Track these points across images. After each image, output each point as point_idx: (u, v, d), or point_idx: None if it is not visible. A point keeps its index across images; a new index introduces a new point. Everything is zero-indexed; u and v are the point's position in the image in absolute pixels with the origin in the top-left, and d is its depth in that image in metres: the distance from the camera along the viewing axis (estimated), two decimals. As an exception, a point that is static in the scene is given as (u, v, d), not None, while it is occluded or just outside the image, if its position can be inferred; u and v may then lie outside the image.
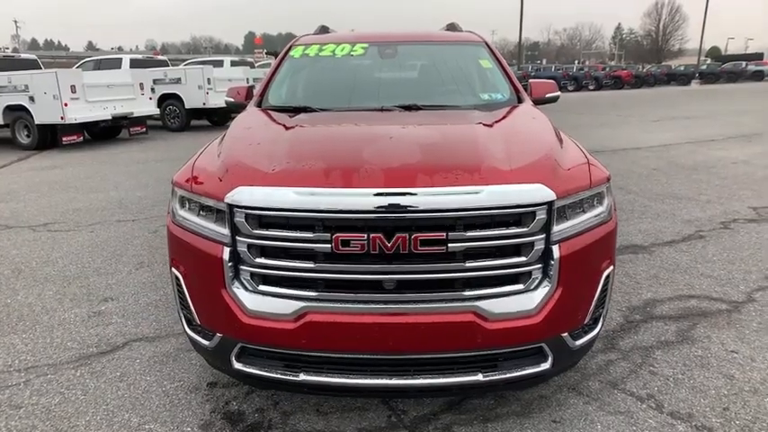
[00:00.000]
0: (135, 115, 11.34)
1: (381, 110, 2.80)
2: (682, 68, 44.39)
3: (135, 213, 5.67)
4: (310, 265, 1.83)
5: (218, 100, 12.94)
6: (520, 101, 3.03)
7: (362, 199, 1.77)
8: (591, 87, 36.11)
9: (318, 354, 1.91)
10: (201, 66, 13.24)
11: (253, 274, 1.91)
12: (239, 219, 1.86)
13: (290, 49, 3.53)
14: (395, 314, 1.83)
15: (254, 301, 1.90)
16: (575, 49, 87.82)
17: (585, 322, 2.06)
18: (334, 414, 2.30)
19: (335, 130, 2.51)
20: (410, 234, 1.76)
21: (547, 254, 1.89)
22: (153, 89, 12.15)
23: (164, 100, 13.06)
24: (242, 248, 1.89)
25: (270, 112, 2.85)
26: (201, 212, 2.03)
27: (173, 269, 2.15)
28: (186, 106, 13.01)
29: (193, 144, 11.00)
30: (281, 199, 1.81)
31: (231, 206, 1.87)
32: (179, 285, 2.12)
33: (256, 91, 3.23)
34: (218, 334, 2.01)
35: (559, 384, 2.47)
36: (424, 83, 3.21)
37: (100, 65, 13.78)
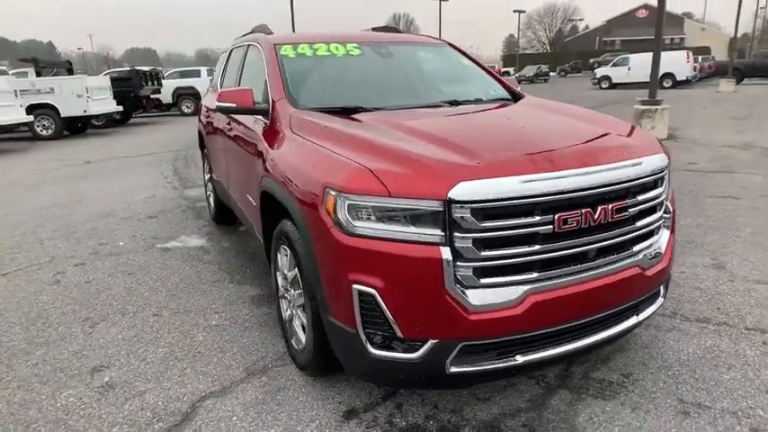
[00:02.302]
0: None
1: (433, 106, 2.90)
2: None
3: (-5, 267, 4.28)
4: (535, 247, 1.93)
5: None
6: (516, 95, 3.43)
7: (578, 179, 1.95)
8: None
9: (532, 333, 2.01)
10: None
11: (475, 269, 1.89)
12: (462, 214, 1.84)
13: (276, 48, 3.26)
14: (596, 279, 2.07)
15: (478, 296, 1.90)
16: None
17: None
18: (495, 397, 2.38)
19: (461, 123, 2.55)
20: (608, 205, 2.02)
21: (665, 208, 2.37)
22: None
23: None
24: (464, 245, 1.86)
25: (330, 113, 2.66)
26: (396, 216, 1.89)
27: (355, 286, 1.93)
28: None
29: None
30: (510, 188, 1.86)
31: (451, 202, 1.83)
32: (368, 302, 1.92)
33: (274, 94, 2.91)
34: (432, 341, 1.92)
35: (620, 322, 3.00)
36: (433, 80, 3.38)
37: None
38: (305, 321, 2.39)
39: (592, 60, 52.73)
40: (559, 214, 1.93)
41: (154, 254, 4.48)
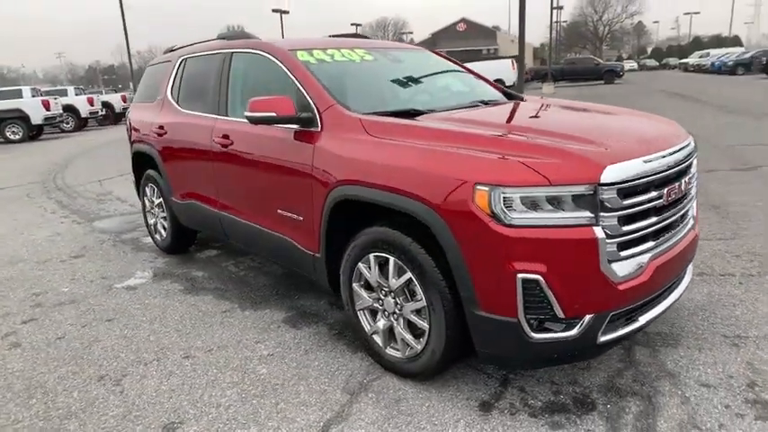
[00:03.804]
0: None
1: (473, 106, 3.05)
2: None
3: None
4: (653, 219, 2.21)
5: None
6: (511, 95, 3.73)
7: (673, 156, 2.30)
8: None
9: (650, 296, 2.29)
10: None
11: (618, 244, 2.10)
12: (609, 195, 2.03)
13: (294, 55, 3.09)
14: (681, 241, 2.43)
15: (621, 268, 2.11)
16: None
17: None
18: (591, 364, 2.61)
19: (541, 118, 2.72)
20: (685, 177, 2.40)
21: (694, 180, 2.85)
22: None
23: None
24: (610, 223, 2.05)
25: (395, 118, 2.65)
26: (547, 203, 2.01)
27: (520, 275, 2.00)
28: None
29: None
30: (639, 169, 2.11)
31: (600, 185, 2.01)
32: (531, 288, 2.01)
33: (319, 101, 2.78)
34: (588, 315, 2.08)
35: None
36: (449, 83, 3.50)
37: None
38: (424, 325, 2.36)
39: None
40: (668, 188, 2.24)
41: (120, 295, 3.85)
